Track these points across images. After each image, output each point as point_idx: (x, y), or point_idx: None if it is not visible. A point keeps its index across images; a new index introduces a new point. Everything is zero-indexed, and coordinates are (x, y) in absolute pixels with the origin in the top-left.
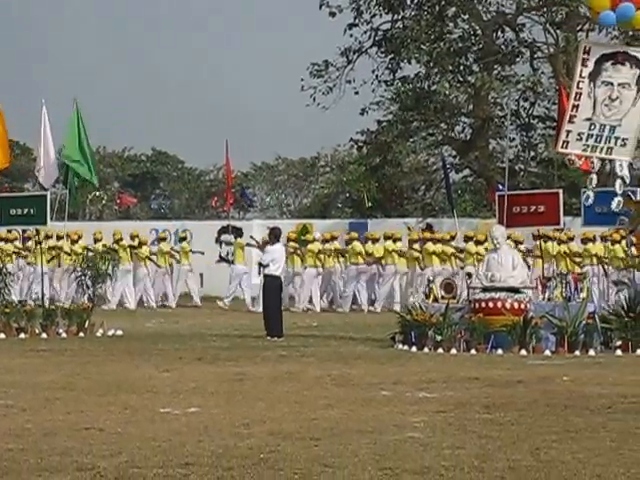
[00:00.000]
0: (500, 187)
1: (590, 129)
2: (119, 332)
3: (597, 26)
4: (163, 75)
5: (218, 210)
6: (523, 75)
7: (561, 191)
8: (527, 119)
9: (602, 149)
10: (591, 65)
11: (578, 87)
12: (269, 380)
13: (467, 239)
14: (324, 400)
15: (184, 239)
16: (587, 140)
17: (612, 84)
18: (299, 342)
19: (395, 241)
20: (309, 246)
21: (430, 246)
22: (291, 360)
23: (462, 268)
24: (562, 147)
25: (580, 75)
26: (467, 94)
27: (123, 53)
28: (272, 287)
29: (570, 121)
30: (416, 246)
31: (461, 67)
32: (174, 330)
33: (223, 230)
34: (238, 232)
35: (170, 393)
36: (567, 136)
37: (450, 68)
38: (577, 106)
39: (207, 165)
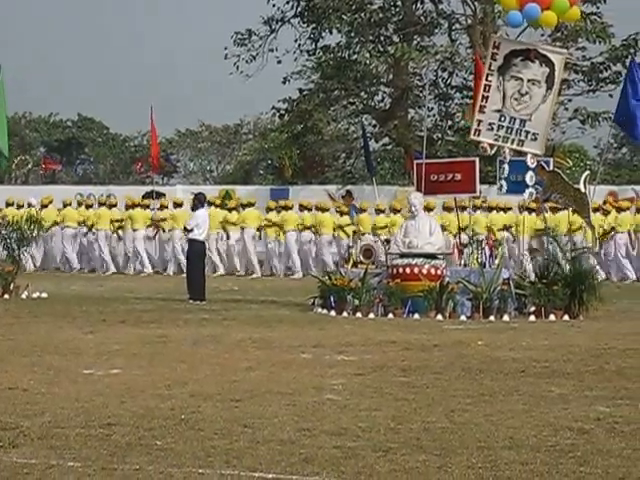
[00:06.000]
0: (418, 155)
1: (500, 120)
2: (44, 294)
3: None
4: (89, 40)
5: (142, 176)
6: (441, 46)
7: (477, 160)
8: (445, 89)
9: (513, 141)
10: (500, 59)
11: (487, 79)
12: (191, 342)
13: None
14: (245, 362)
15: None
16: (498, 130)
17: (521, 79)
18: (221, 306)
19: (324, 211)
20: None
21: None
22: (213, 323)
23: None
24: (474, 135)
25: (489, 68)
26: (387, 64)
27: (50, 18)
28: (196, 251)
29: (481, 111)
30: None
31: (381, 37)
32: (98, 293)
33: (147, 195)
34: (162, 197)
35: (93, 354)
36: (479, 125)
37: (370, 38)
38: (487, 97)
39: (132, 131)
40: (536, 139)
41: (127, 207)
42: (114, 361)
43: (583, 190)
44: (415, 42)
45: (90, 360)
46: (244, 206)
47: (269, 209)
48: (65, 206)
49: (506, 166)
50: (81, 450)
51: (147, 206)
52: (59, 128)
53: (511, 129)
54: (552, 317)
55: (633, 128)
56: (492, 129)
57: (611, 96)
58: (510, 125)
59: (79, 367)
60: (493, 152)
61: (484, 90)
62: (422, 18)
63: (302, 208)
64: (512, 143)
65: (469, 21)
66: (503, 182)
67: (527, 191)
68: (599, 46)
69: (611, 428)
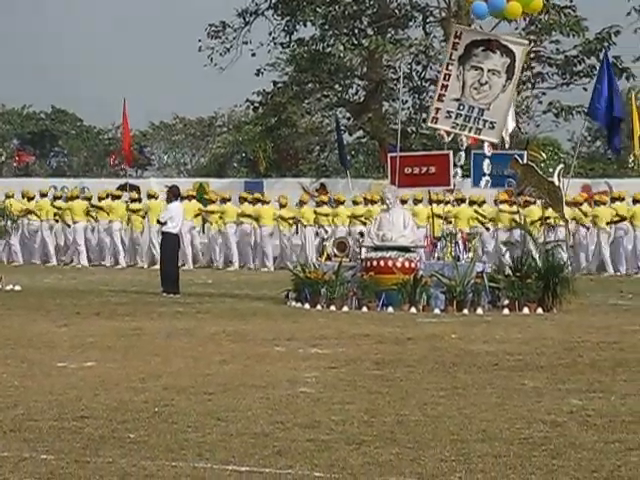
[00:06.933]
0: (392, 148)
1: (459, 109)
2: (17, 287)
3: None
4: (61, 32)
5: (116, 168)
6: (416, 39)
7: (451, 153)
8: (419, 82)
9: (471, 129)
10: (461, 49)
11: (447, 69)
12: (165, 335)
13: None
14: (219, 355)
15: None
16: (456, 118)
17: (482, 69)
18: (195, 299)
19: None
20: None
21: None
22: (187, 316)
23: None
24: (432, 122)
25: (450, 57)
26: (361, 57)
27: (18, 9)
28: (170, 244)
29: (439, 99)
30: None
31: (355, 30)
32: (72, 286)
33: (121, 188)
34: (136, 190)
35: (67, 347)
36: (436, 113)
37: (345, 31)
38: (446, 86)
39: (106, 123)
40: (494, 127)
41: (67, 199)
42: (88, 354)
43: (557, 183)
44: (389, 35)
45: (64, 353)
46: (182, 198)
47: (211, 201)
48: (7, 197)
49: (462, 154)
50: (54, 443)
51: (88, 198)
52: (32, 120)
53: (469, 117)
54: (526, 310)
55: (611, 138)
56: (450, 117)
57: (585, 89)
58: (468, 114)
59: (53, 360)
60: (450, 139)
61: (444, 79)
62: (396, 11)
63: (242, 200)
64: (469, 131)
65: (443, 14)
66: (459, 170)
67: (483, 179)
68: (573, 39)
69: (584, 421)
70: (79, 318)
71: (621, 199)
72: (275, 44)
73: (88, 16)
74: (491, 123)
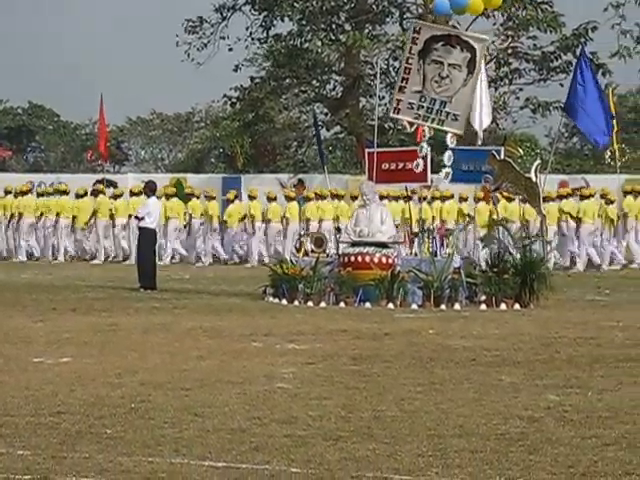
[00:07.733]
0: (370, 144)
1: (421, 100)
2: None
3: None
4: (37, 27)
5: (93, 164)
6: (393, 34)
7: (429, 148)
8: (396, 78)
9: (434, 120)
10: (420, 44)
11: (408, 62)
12: (142, 331)
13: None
14: (196, 351)
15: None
16: (418, 110)
17: (442, 63)
18: (172, 294)
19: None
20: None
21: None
22: (164, 312)
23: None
24: (394, 113)
25: (410, 52)
26: (339, 52)
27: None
28: (147, 240)
29: (400, 91)
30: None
31: (333, 25)
32: (48, 281)
33: (99, 183)
34: (113, 185)
35: (44, 343)
36: (398, 104)
37: (322, 26)
38: (407, 79)
39: (83, 119)
40: (457, 119)
41: (16, 195)
42: (64, 349)
43: (534, 179)
44: (367, 30)
45: (40, 348)
46: (132, 194)
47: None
48: None
49: (425, 144)
50: (31, 438)
51: (41, 194)
52: (9, 115)
53: (431, 109)
54: (503, 306)
55: (595, 133)
56: (412, 108)
57: (562, 85)
58: (430, 105)
59: (29, 355)
60: (413, 129)
61: (404, 72)
62: (374, 6)
63: (189, 196)
64: (432, 122)
65: (420, 10)
66: (420, 161)
67: (443, 171)
68: (550, 35)
69: (561, 417)
70: (55, 314)
71: (568, 196)
72: (252, 39)
73: (79, 15)
74: (454, 115)
